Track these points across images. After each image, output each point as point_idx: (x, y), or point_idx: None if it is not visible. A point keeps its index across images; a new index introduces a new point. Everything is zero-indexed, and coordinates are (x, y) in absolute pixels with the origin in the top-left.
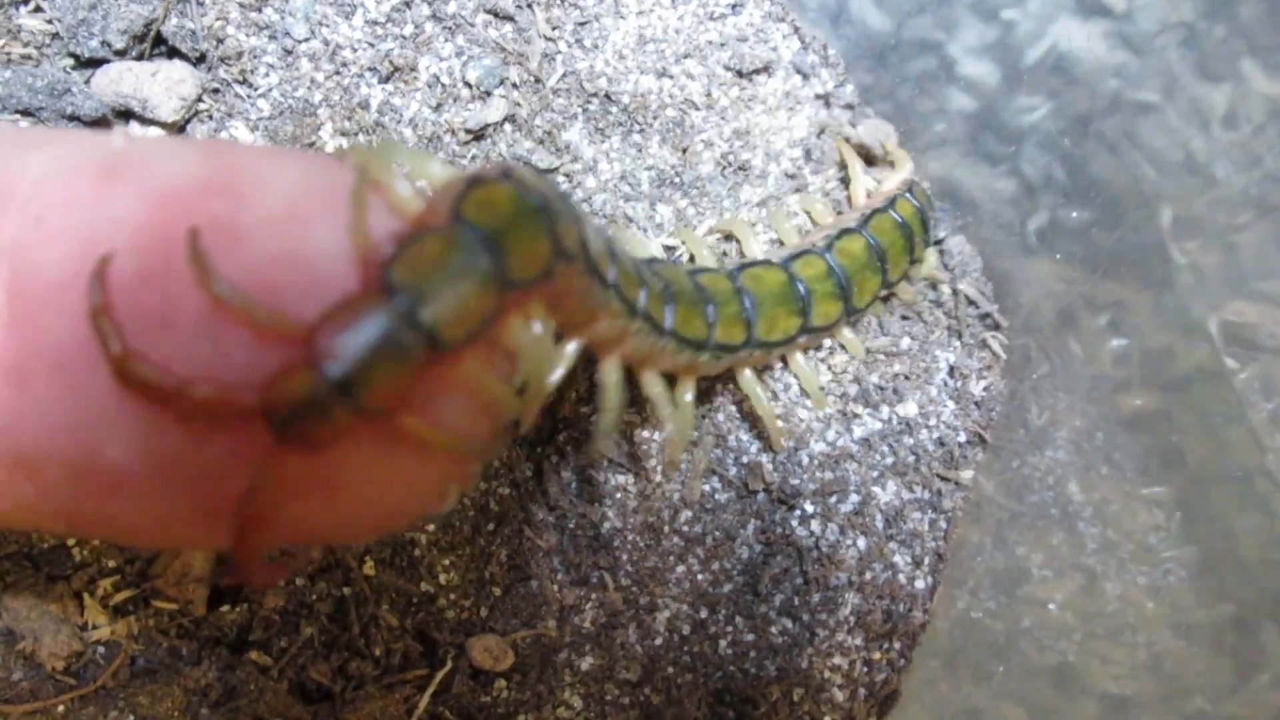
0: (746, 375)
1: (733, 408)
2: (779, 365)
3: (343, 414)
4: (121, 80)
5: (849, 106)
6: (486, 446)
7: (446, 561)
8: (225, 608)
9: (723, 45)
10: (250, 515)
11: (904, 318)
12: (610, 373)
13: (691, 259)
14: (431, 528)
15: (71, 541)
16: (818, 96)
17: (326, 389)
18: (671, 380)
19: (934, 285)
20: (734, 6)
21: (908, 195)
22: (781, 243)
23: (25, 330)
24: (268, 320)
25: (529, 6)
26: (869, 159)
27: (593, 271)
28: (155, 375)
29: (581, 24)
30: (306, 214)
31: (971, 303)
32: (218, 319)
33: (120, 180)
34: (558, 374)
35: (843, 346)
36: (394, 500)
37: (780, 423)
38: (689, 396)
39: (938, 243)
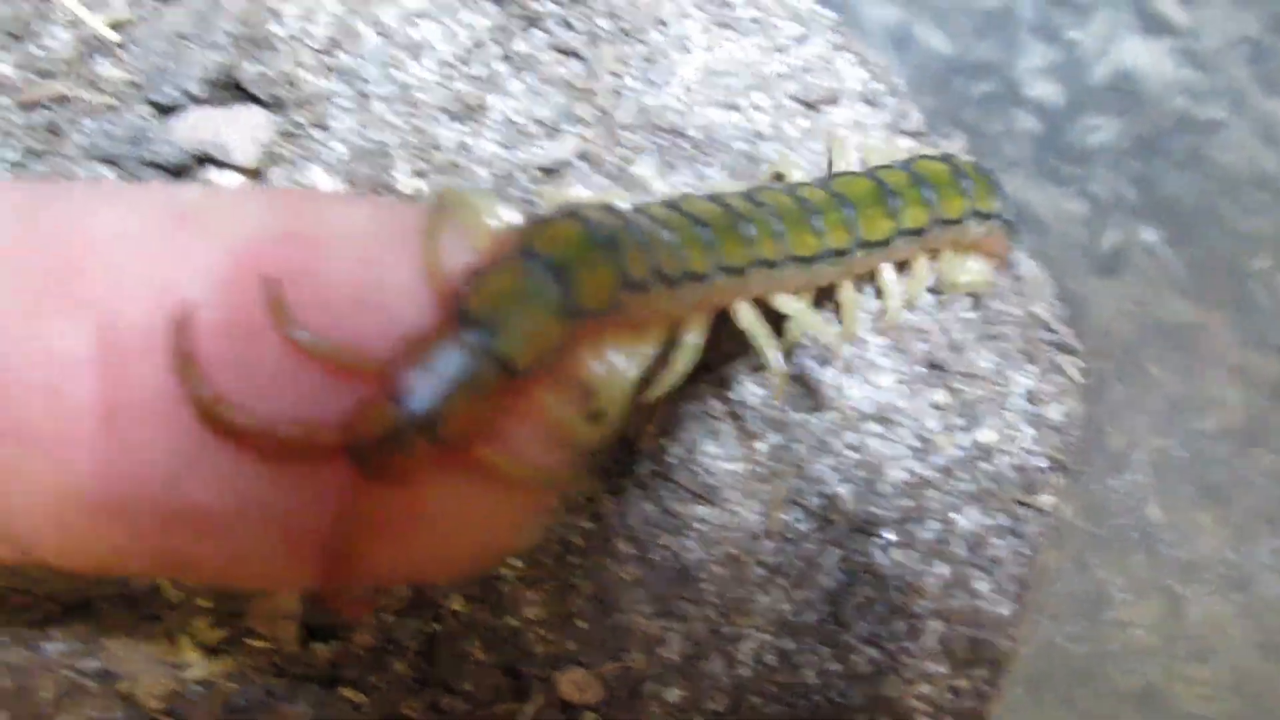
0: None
1: (812, 437)
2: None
3: (423, 446)
4: (200, 127)
5: (916, 133)
6: (562, 477)
7: (532, 596)
8: (317, 645)
9: (789, 77)
10: (337, 553)
11: (987, 337)
12: (745, 316)
13: None
14: (518, 563)
15: (166, 582)
16: (885, 124)
17: (406, 422)
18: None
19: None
20: (799, 38)
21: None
22: None
23: (114, 379)
24: (347, 360)
25: (597, 44)
26: None
27: (678, 280)
28: (240, 417)
29: (649, 60)
30: (379, 257)
31: (1045, 326)
32: (297, 364)
33: (196, 231)
34: (685, 366)
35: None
36: (475, 536)
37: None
38: (850, 293)
39: (1010, 267)
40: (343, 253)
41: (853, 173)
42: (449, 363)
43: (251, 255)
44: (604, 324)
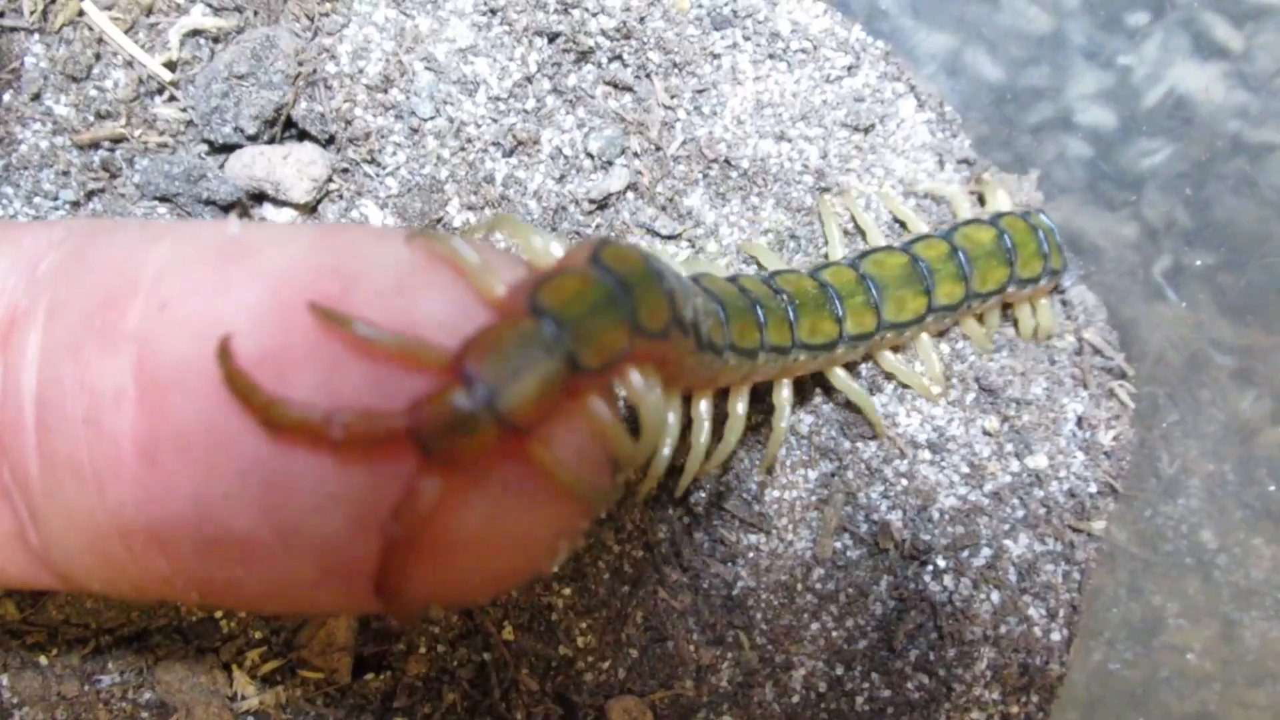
0: (839, 375)
1: (862, 464)
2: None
3: (488, 429)
4: (254, 164)
5: (966, 161)
6: (601, 493)
7: (584, 624)
8: (370, 676)
9: (839, 107)
10: (386, 569)
11: (1035, 361)
12: (738, 403)
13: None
14: (568, 591)
15: (219, 614)
16: (936, 153)
17: (475, 403)
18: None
19: (1048, 337)
20: (849, 68)
21: (1042, 215)
22: (903, 225)
23: (153, 411)
24: (413, 351)
25: (648, 77)
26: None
27: (705, 347)
28: (302, 412)
29: (699, 91)
30: (412, 288)
31: (1097, 352)
32: (334, 387)
33: (237, 266)
34: (672, 437)
35: (966, 337)
36: (507, 557)
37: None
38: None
39: (1060, 291)
40: (376, 283)
41: (890, 247)
42: (523, 350)
43: (288, 288)
44: (655, 349)
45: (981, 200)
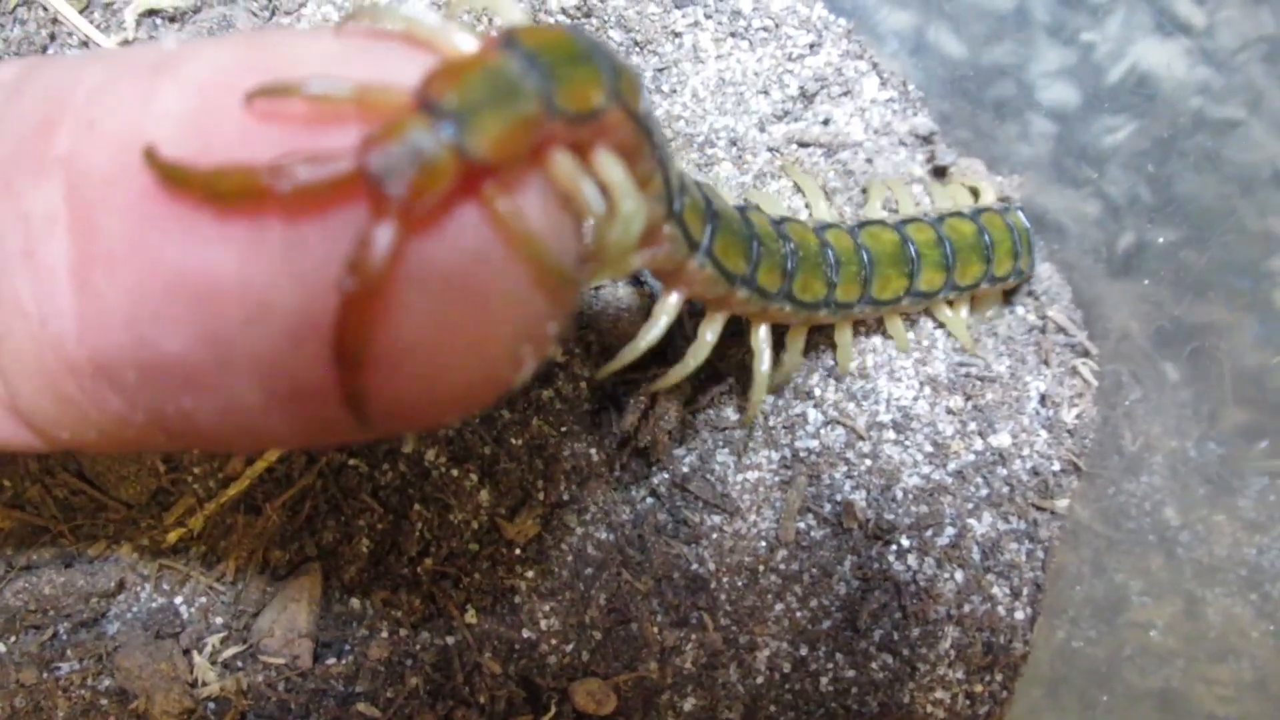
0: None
1: (818, 443)
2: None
3: (448, 165)
4: None
5: (928, 140)
6: (563, 269)
7: (547, 607)
8: (331, 661)
9: (801, 85)
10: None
11: (992, 334)
12: (707, 333)
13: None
14: (531, 574)
15: (179, 599)
16: (899, 130)
17: (437, 132)
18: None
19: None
20: (812, 46)
21: (1020, 213)
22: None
23: (82, 234)
24: (374, 97)
25: None
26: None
27: (678, 225)
28: (247, 171)
29: (660, 70)
30: (343, 71)
31: (1060, 329)
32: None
33: (164, 76)
34: (696, 360)
35: (945, 328)
36: (466, 361)
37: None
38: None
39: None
40: (306, 71)
41: (883, 222)
42: (494, 82)
43: (214, 90)
44: (629, 133)
45: (975, 194)
